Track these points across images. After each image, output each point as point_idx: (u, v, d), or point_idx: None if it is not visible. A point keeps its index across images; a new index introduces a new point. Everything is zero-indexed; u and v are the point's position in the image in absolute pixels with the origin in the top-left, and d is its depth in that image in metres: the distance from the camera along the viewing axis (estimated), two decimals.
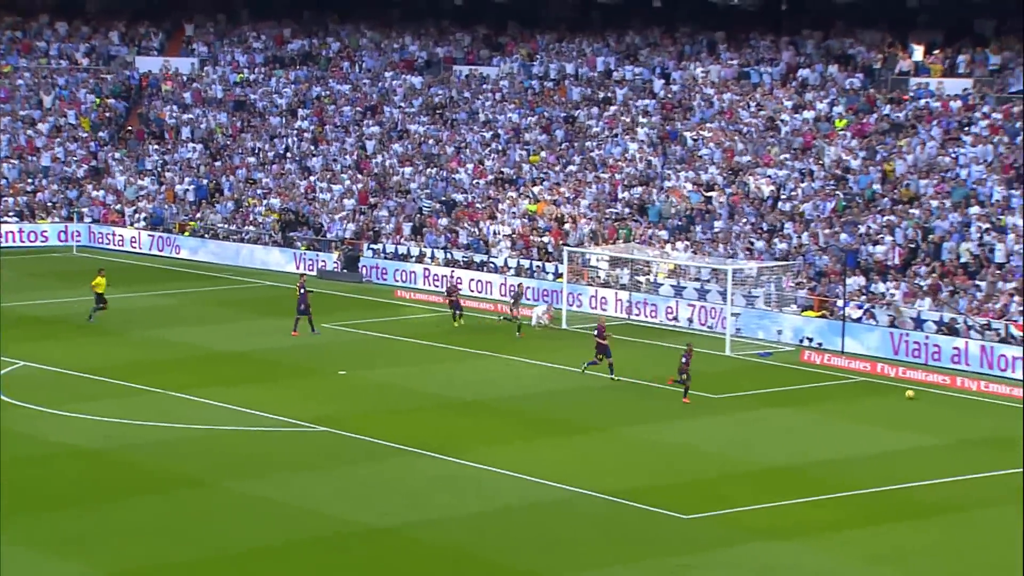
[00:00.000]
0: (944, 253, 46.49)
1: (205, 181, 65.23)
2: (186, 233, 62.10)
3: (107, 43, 75.17)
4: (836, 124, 54.67)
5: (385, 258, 56.52)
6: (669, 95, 60.38)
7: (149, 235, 62.74)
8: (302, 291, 45.56)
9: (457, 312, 46.90)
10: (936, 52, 55.88)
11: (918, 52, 56.37)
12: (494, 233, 55.44)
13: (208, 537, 27.56)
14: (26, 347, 42.95)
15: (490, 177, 59.52)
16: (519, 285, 49.22)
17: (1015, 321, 42.32)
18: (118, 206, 65.20)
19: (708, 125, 57.45)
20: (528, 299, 49.71)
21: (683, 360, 37.73)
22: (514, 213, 56.50)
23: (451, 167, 60.86)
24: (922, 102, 53.86)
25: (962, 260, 45.95)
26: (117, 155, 68.90)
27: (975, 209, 47.58)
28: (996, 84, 53.20)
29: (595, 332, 40.44)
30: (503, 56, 67.21)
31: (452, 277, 51.29)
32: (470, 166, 60.52)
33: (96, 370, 40.42)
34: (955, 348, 42.17)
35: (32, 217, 64.49)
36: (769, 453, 33.66)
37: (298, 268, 56.99)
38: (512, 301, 46.99)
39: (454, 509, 29.28)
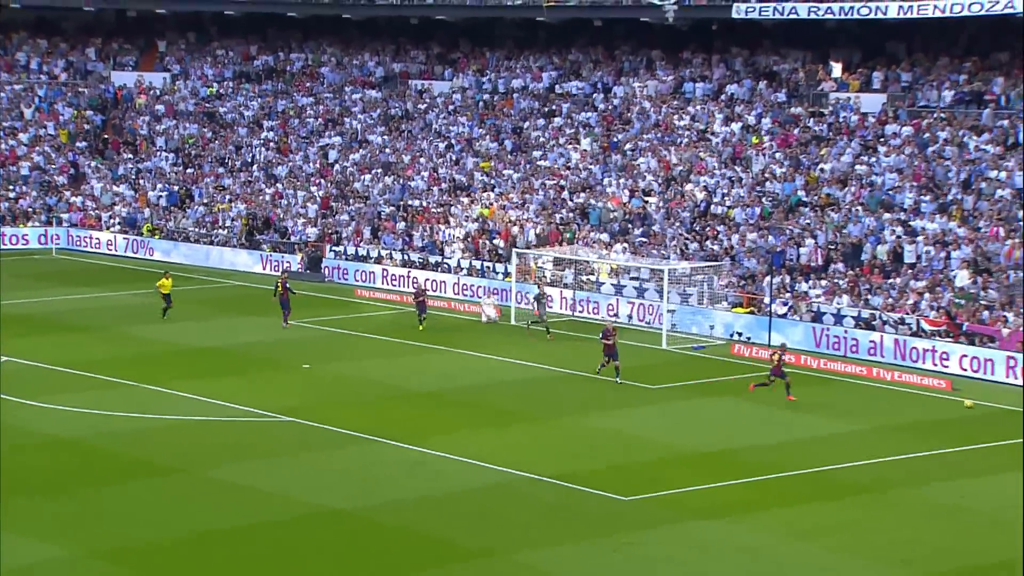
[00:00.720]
0: (861, 254, 46.78)
1: (176, 188, 64.90)
2: (156, 236, 61.62)
3: (84, 59, 74.65)
4: (761, 136, 54.88)
5: (346, 259, 56.33)
6: (609, 108, 60.47)
7: (124, 238, 62.34)
8: (284, 287, 45.93)
9: (421, 315, 46.03)
10: (853, 70, 56.19)
11: (837, 70, 56.69)
12: (448, 236, 55.33)
13: (183, 520, 27.36)
14: (9, 343, 42.51)
15: (444, 184, 59.39)
16: (540, 287, 47.11)
17: (926, 316, 42.64)
18: (95, 211, 64.75)
19: (645, 136, 57.55)
20: (479, 297, 49.63)
21: (777, 360, 37.14)
22: (466, 217, 56.42)
23: (407, 174, 60.71)
24: (841, 115, 54.19)
25: (878, 260, 46.27)
26: (94, 163, 68.50)
27: (888, 215, 47.91)
28: (907, 99, 53.57)
29: (601, 335, 39.22)
30: (455, 71, 67.11)
31: (419, 281, 50.67)
32: (425, 173, 60.40)
33: (76, 364, 40.05)
34: (871, 341, 42.42)
35: (14, 222, 63.88)
36: (703, 439, 33.75)
37: (264, 269, 56.94)
38: (535, 303, 45.54)
39: (411, 493, 29.16)
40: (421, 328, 45.25)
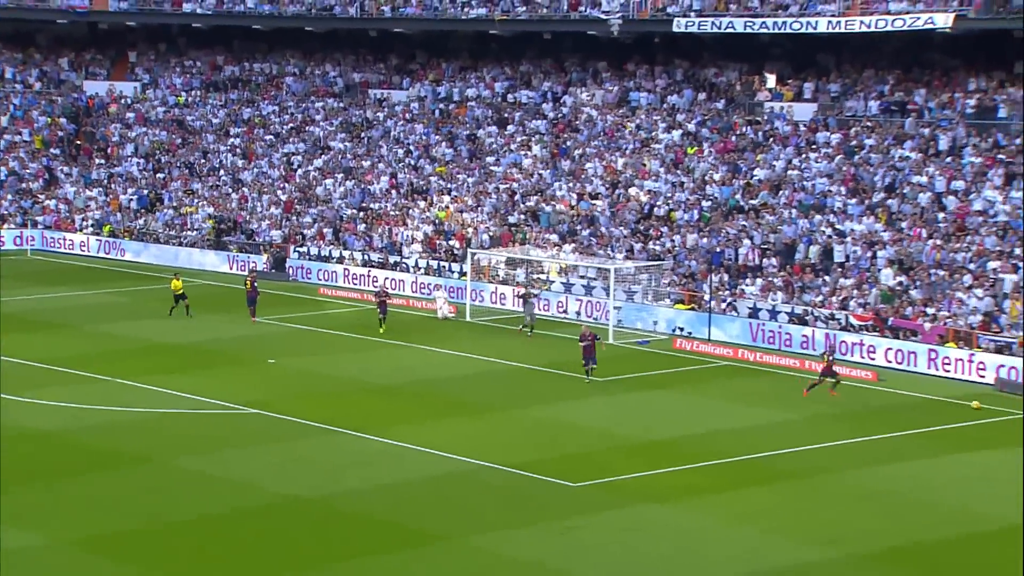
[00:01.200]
0: (795, 254, 47.12)
1: (146, 192, 64.50)
2: (126, 237, 61.25)
3: (57, 69, 73.98)
4: (701, 143, 55.16)
5: (309, 259, 56.16)
6: (558, 116, 60.57)
7: (97, 239, 61.83)
8: (252, 284, 46.32)
9: (382, 317, 44.95)
10: (786, 81, 56.57)
11: (771, 81, 57.06)
12: (406, 237, 55.29)
13: (155, 508, 27.28)
14: None
15: (402, 188, 59.33)
16: (526, 289, 46.57)
17: (854, 312, 43.03)
18: (68, 214, 64.22)
19: (592, 143, 57.72)
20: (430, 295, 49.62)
21: (828, 358, 37.03)
22: (423, 219, 56.38)
23: (367, 179, 60.59)
24: (775, 124, 54.52)
25: (809, 260, 46.62)
26: (67, 169, 67.85)
27: (819, 217, 48.28)
28: (836, 109, 54.00)
29: (579, 339, 38.31)
30: (413, 81, 67.01)
31: (381, 282, 50.29)
32: (384, 178, 60.28)
33: (50, 360, 39.74)
34: (804, 336, 42.74)
35: None
36: (647, 428, 33.92)
37: (231, 269, 56.68)
38: (522, 304, 45.00)
39: (371, 481, 29.18)
40: (382, 330, 44.39)
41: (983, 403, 36.22)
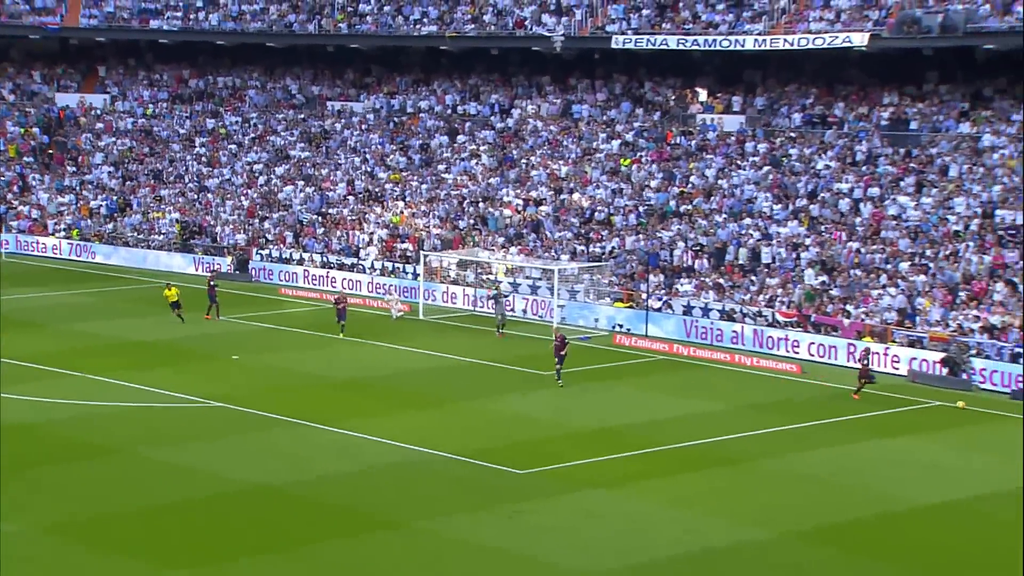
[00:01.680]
0: (725, 256, 47.34)
1: (116, 198, 63.76)
2: (97, 241, 60.53)
3: (30, 82, 73.00)
4: (638, 152, 55.31)
5: (271, 262, 55.73)
6: (505, 127, 60.51)
7: (68, 243, 61.06)
8: (211, 284, 46.05)
9: (341, 321, 43.21)
10: (717, 95, 56.84)
11: (703, 95, 57.31)
12: (362, 240, 55.00)
13: (124, 495, 26.99)
14: None
15: (358, 194, 59.01)
16: (497, 290, 46.03)
17: (780, 309, 43.28)
18: (41, 219, 63.37)
19: (537, 152, 57.71)
20: (382, 292, 49.38)
21: (863, 363, 36.24)
22: (379, 224, 56.11)
23: (325, 186, 60.23)
24: (706, 135, 54.78)
25: (739, 261, 46.86)
26: (40, 176, 66.93)
27: (748, 221, 48.55)
28: (763, 121, 54.34)
29: (555, 341, 36.99)
30: (368, 94, 66.69)
31: (340, 287, 49.69)
32: (342, 185, 59.93)
33: (25, 357, 39.11)
34: (734, 332, 42.95)
35: None
36: (589, 418, 33.93)
37: (197, 271, 56.11)
38: (493, 304, 44.54)
39: (330, 469, 28.99)
40: (341, 336, 42.70)
41: (968, 404, 35.98)
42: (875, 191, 47.75)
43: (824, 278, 44.15)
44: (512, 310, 46.31)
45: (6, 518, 25.40)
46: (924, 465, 30.28)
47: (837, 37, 50.03)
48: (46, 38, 71.83)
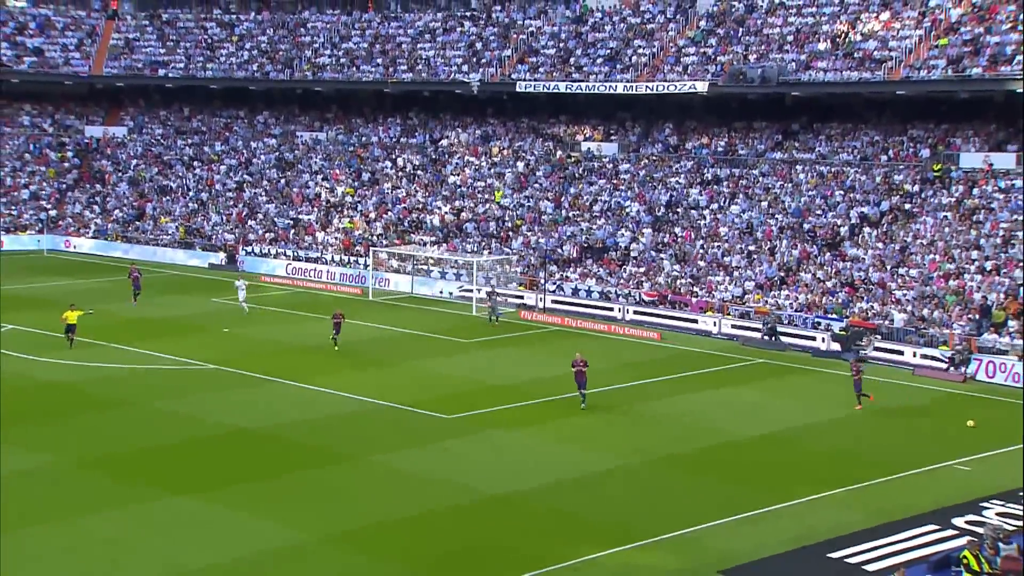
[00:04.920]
0: (605, 252, 47.50)
1: (133, 209, 62.17)
2: (119, 241, 58.98)
3: (65, 117, 70.74)
4: (536, 174, 55.24)
5: (254, 256, 54.72)
6: (436, 154, 60.06)
7: (95, 241, 59.52)
8: (135, 274, 44.32)
9: (335, 335, 36.85)
10: (598, 128, 56.97)
11: (588, 129, 57.36)
12: (325, 240, 54.27)
13: (136, 438, 26.39)
14: (11, 316, 40.35)
15: (322, 205, 58.19)
16: (492, 287, 44.17)
17: (645, 291, 43.52)
18: (74, 224, 61.62)
19: (463, 172, 57.40)
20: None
21: (856, 365, 30.50)
22: (338, 228, 55.38)
23: (296, 200, 59.27)
24: (591, 160, 54.86)
25: (614, 256, 47.03)
26: (73, 192, 65.04)
27: (622, 226, 48.74)
28: (631, 148, 54.60)
29: (571, 364, 30.23)
30: (330, 127, 65.75)
31: (337, 310, 40.20)
32: (309, 201, 59.01)
33: (60, 330, 37.95)
34: (610, 308, 43.05)
35: (15, 231, 60.40)
36: (500, 375, 33.80)
37: (195, 263, 54.76)
38: (488, 299, 42.31)
39: (299, 415, 28.60)
40: (336, 348, 36.39)
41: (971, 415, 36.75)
42: (716, 204, 48.25)
43: (677, 268, 44.51)
44: (505, 304, 43.69)
45: (41, 452, 24.87)
46: (751, 406, 30.67)
47: (685, 85, 50.40)
48: (78, 83, 69.83)
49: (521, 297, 45.22)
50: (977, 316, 36.25)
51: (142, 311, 42.74)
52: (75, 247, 59.86)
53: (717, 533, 21.21)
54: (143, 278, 45.75)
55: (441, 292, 45.87)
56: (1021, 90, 41.25)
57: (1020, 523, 20.79)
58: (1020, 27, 43.62)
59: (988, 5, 45.80)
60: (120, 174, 66.17)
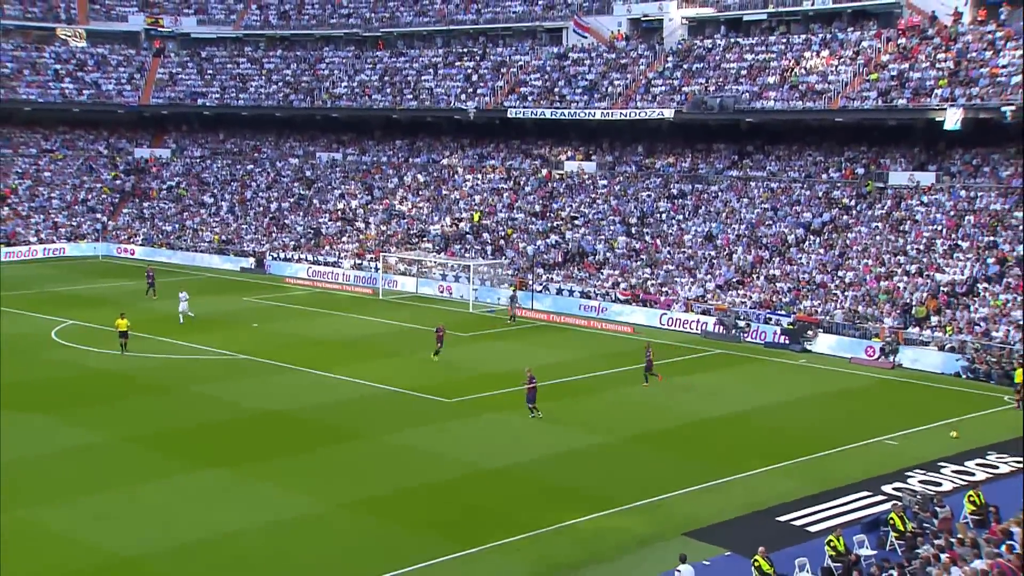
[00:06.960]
0: (585, 257, 47.46)
1: (176, 221, 62.00)
2: (164, 248, 58.79)
3: (117, 141, 70.57)
4: (525, 191, 55.17)
5: (280, 262, 54.58)
6: (437, 172, 60.01)
7: (143, 248, 59.41)
8: (150, 274, 44.75)
9: (439, 346, 33.94)
10: (579, 149, 56.99)
11: (570, 151, 57.37)
12: (341, 250, 54.16)
13: (179, 418, 26.43)
14: (72, 312, 40.38)
15: (340, 219, 58.07)
16: (513, 290, 42.62)
17: (620, 291, 43.57)
18: (125, 234, 61.45)
19: (462, 189, 57.35)
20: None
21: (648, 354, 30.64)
22: (353, 238, 55.29)
23: (317, 213, 59.13)
24: (573, 177, 54.85)
25: (593, 261, 47.01)
26: (125, 206, 64.86)
27: (600, 234, 48.73)
28: (608, 167, 54.62)
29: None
30: (346, 148, 65.64)
31: (440, 324, 35.81)
32: (328, 213, 58.90)
33: (112, 325, 37.89)
34: (590, 306, 43.08)
35: (75, 240, 60.29)
36: (493, 365, 33.73)
37: (228, 267, 54.42)
38: (510, 301, 41.66)
39: (319, 399, 28.56)
40: (436, 359, 33.37)
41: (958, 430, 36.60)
42: (681, 216, 48.31)
43: (648, 271, 44.56)
44: (520, 306, 42.50)
45: (93, 430, 24.86)
46: (711, 391, 30.74)
47: (654, 112, 50.49)
48: (128, 111, 69.69)
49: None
50: (902, 312, 36.47)
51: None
52: (128, 253, 59.70)
53: (682, 500, 21.36)
54: (156, 277, 46.09)
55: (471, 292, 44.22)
56: (940, 119, 41.63)
57: (941, 488, 20.97)
58: (937, 65, 44.08)
59: (911, 47, 46.20)
60: (164, 190, 66.05)
